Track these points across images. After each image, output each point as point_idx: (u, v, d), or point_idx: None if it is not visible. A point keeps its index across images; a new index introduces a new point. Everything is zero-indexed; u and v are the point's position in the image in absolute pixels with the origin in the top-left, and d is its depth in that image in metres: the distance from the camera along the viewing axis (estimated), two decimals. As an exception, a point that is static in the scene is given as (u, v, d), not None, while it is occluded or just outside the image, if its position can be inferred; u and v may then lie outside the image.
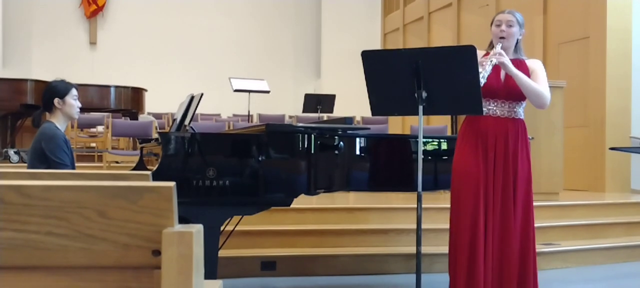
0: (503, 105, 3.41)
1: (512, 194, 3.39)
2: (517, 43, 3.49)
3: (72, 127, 9.38)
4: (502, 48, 3.40)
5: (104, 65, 14.39)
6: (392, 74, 3.28)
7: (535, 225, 3.52)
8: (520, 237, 3.39)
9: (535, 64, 3.48)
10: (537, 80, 3.39)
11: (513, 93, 3.38)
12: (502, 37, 3.42)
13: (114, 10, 14.98)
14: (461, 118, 6.32)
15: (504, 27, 3.43)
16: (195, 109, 3.82)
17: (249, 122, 10.75)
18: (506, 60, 3.31)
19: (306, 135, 3.37)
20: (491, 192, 3.38)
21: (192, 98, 3.88)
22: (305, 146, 3.37)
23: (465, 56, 3.16)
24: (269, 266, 4.60)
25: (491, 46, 3.47)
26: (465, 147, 3.44)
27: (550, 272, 4.88)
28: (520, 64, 3.44)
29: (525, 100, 3.44)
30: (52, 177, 1.86)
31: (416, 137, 3.39)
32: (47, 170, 3.07)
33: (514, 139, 3.41)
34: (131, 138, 9.68)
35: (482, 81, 3.19)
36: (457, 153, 3.48)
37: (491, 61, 3.29)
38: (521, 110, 3.47)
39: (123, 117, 9.94)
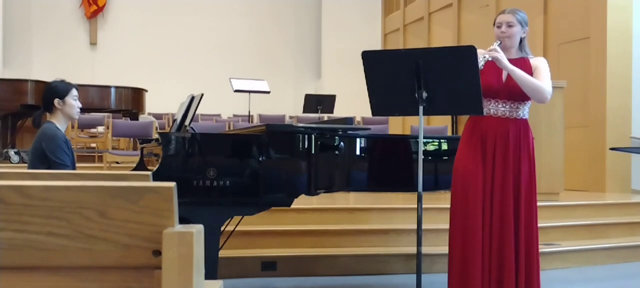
0: (505, 105, 3.39)
1: (511, 195, 3.37)
2: (521, 41, 3.47)
3: (73, 127, 9.39)
4: (504, 47, 3.39)
5: (105, 65, 14.39)
6: (393, 75, 3.28)
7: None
8: (524, 237, 3.38)
9: (538, 61, 3.46)
10: (539, 76, 3.36)
11: (514, 93, 3.36)
12: (501, 38, 3.41)
13: (114, 11, 14.98)
14: (462, 118, 6.33)
15: (504, 27, 3.41)
16: (196, 109, 3.82)
17: (249, 122, 10.75)
18: (501, 55, 3.29)
19: (306, 136, 3.37)
20: (490, 192, 3.37)
21: (192, 98, 3.88)
22: (306, 146, 3.37)
23: (465, 56, 3.16)
24: (269, 266, 4.60)
25: None
26: (466, 147, 3.44)
27: (551, 272, 4.88)
28: (523, 62, 3.42)
29: (529, 100, 3.41)
30: (53, 177, 1.86)
31: (416, 137, 3.39)
32: (47, 171, 3.07)
33: (515, 139, 3.39)
34: (131, 138, 9.68)
35: None
36: (458, 153, 3.48)
37: (485, 57, 3.28)
38: (525, 111, 3.44)
39: (123, 118, 9.95)
